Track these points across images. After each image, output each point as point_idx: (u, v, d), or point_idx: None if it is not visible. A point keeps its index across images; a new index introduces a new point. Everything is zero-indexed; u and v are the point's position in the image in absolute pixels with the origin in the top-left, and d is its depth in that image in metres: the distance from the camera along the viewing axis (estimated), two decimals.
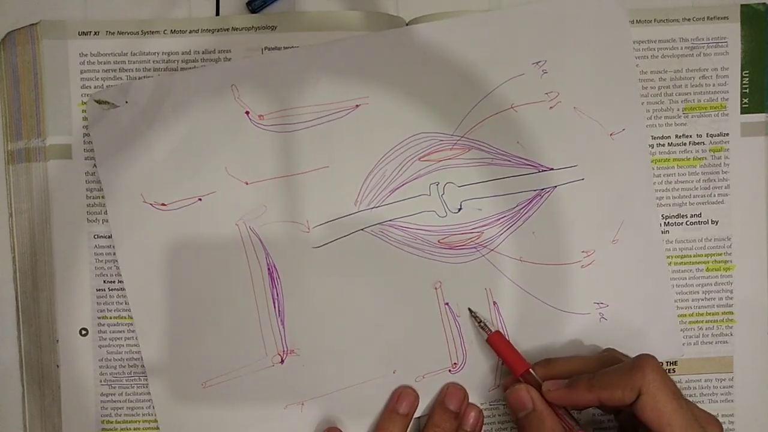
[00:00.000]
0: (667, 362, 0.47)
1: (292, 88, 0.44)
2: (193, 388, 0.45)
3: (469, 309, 0.45)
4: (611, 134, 0.45)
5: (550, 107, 0.45)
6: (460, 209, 0.45)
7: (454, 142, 0.45)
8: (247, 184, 0.45)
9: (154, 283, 0.45)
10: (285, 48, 0.45)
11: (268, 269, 0.45)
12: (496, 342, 0.44)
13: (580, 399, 0.39)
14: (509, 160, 0.45)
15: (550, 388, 0.41)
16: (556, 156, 0.45)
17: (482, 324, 0.44)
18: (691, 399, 0.46)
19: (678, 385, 0.46)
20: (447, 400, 0.45)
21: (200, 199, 0.44)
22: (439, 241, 0.45)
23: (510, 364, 0.43)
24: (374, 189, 0.45)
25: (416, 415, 0.46)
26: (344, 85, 0.45)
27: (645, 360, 0.38)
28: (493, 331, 0.44)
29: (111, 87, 0.45)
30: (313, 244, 0.45)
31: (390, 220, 0.45)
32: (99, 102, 0.44)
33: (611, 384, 0.38)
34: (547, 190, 0.45)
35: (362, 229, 0.45)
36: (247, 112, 0.44)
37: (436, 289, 0.45)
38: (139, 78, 0.45)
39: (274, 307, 0.45)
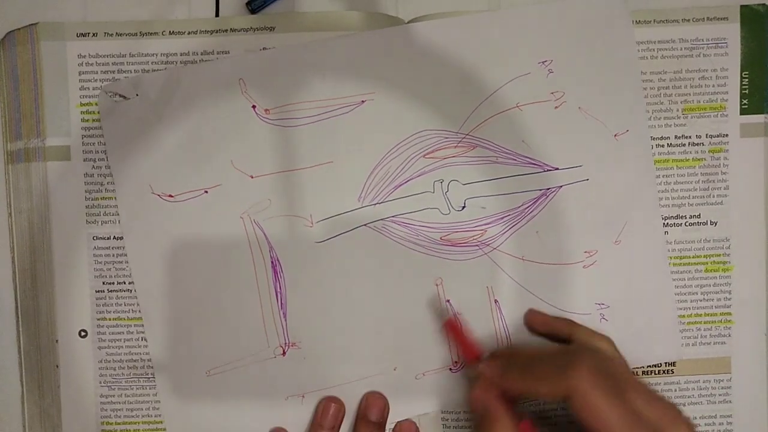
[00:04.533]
0: (665, 363, 0.47)
1: (299, 83, 0.45)
2: (197, 375, 0.45)
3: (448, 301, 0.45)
4: (615, 135, 0.45)
5: (556, 107, 0.45)
6: (463, 207, 0.45)
7: (459, 139, 0.45)
8: (252, 177, 0.45)
9: (161, 272, 0.45)
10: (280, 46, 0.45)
11: (272, 262, 0.45)
12: (451, 327, 0.44)
13: (511, 386, 0.38)
14: (514, 159, 0.45)
15: (485, 370, 0.39)
16: (561, 156, 0.45)
17: (440, 310, 0.45)
18: (689, 400, 0.46)
19: (676, 386, 0.46)
20: (368, 412, 0.45)
21: (206, 192, 0.45)
22: (441, 238, 0.45)
23: (464, 350, 0.43)
24: (378, 185, 0.45)
25: (418, 413, 0.46)
26: (350, 80, 0.45)
27: (577, 357, 0.36)
28: (447, 317, 0.44)
29: (122, 79, 0.45)
30: (316, 239, 0.45)
31: (393, 217, 0.45)
32: (110, 94, 0.44)
33: (541, 377, 0.36)
34: (553, 189, 0.45)
35: (365, 225, 0.45)
36: (254, 107, 0.45)
37: (437, 285, 0.45)
38: None
39: (277, 300, 0.45)
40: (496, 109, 0.45)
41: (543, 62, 0.45)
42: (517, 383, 0.37)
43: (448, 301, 0.45)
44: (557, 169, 0.45)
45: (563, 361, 0.36)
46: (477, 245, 0.45)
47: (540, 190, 0.45)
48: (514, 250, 0.46)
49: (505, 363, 0.39)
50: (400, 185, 0.45)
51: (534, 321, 0.45)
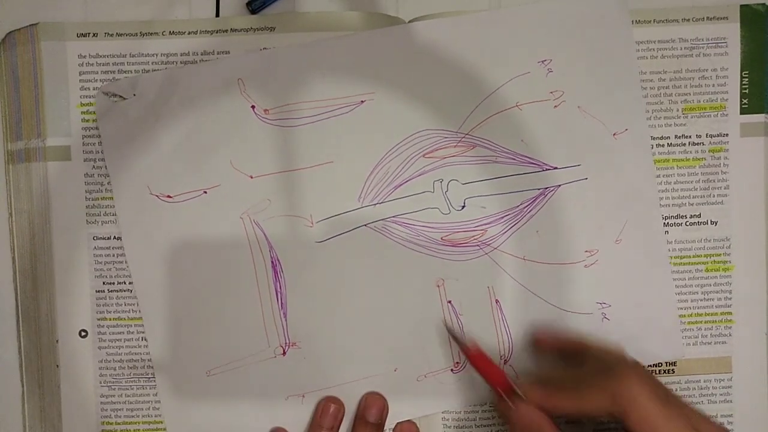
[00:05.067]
0: (666, 362, 0.47)
1: (298, 83, 0.45)
2: (197, 375, 0.45)
3: (444, 324, 0.45)
4: (614, 134, 0.45)
5: (555, 106, 0.45)
6: (463, 207, 0.45)
7: (459, 139, 0.45)
8: (251, 177, 0.45)
9: (160, 273, 0.45)
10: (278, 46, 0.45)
11: (272, 262, 0.45)
12: (478, 359, 0.42)
13: (557, 406, 0.37)
14: (513, 159, 0.45)
15: (530, 392, 0.38)
16: (560, 155, 0.45)
17: (459, 339, 0.44)
18: (690, 399, 0.46)
19: (677, 385, 0.46)
20: (366, 413, 0.45)
21: (205, 192, 0.45)
22: (441, 238, 0.45)
23: (493, 380, 0.41)
24: (378, 185, 0.45)
25: (420, 415, 0.46)
26: (350, 80, 0.45)
27: (626, 368, 0.36)
28: (470, 346, 0.43)
29: (120, 80, 0.45)
30: (316, 239, 0.45)
31: (393, 217, 0.45)
32: (108, 94, 0.45)
33: (588, 394, 0.36)
34: (551, 188, 0.45)
35: (365, 225, 0.45)
36: (253, 107, 0.45)
37: (438, 286, 0.45)
38: None
39: (277, 300, 0.45)
40: (496, 108, 0.45)
41: (542, 62, 0.45)
42: (563, 402, 0.37)
43: (450, 302, 0.45)
44: (556, 168, 0.45)
45: (609, 374, 0.36)
46: (478, 245, 0.45)
47: (538, 189, 0.45)
48: (515, 249, 0.46)
49: (545, 384, 0.38)
50: (400, 185, 0.45)
51: (542, 339, 0.45)
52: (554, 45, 0.45)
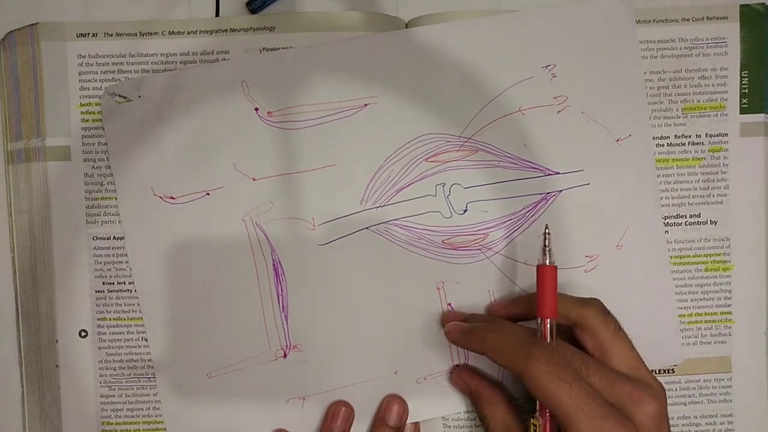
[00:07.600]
0: None
1: (302, 85, 0.45)
2: (198, 378, 0.45)
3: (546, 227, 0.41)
4: (618, 140, 0.45)
5: (558, 111, 0.45)
6: (465, 211, 0.45)
7: (461, 143, 0.45)
8: (254, 180, 0.45)
9: (162, 274, 0.45)
10: (283, 49, 0.45)
11: (273, 265, 0.45)
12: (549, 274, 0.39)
13: (471, 347, 0.41)
14: (516, 163, 0.45)
15: (450, 330, 0.43)
16: (563, 160, 0.45)
17: (548, 248, 0.40)
18: (690, 399, 0.47)
19: (677, 385, 0.46)
20: (387, 416, 0.45)
21: (208, 194, 0.45)
22: (443, 242, 0.45)
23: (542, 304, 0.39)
24: (380, 188, 0.45)
25: (420, 418, 0.46)
26: (353, 84, 0.45)
27: (529, 347, 0.36)
28: (548, 263, 0.40)
29: (125, 81, 0.45)
30: (318, 242, 0.45)
31: (395, 220, 0.45)
32: (113, 95, 0.44)
33: (499, 351, 0.38)
34: (553, 194, 0.45)
35: (367, 228, 0.45)
36: (256, 109, 0.45)
37: (438, 289, 0.45)
38: None
39: (278, 303, 0.45)
40: (499, 113, 0.45)
41: (546, 66, 0.45)
42: (476, 347, 0.40)
43: (450, 304, 0.45)
44: (558, 173, 0.45)
45: (519, 346, 0.37)
46: (479, 249, 0.45)
47: (540, 194, 0.45)
48: (516, 254, 0.46)
49: (473, 326, 0.41)
50: (403, 188, 0.45)
51: (496, 311, 0.45)
52: (558, 50, 0.45)
